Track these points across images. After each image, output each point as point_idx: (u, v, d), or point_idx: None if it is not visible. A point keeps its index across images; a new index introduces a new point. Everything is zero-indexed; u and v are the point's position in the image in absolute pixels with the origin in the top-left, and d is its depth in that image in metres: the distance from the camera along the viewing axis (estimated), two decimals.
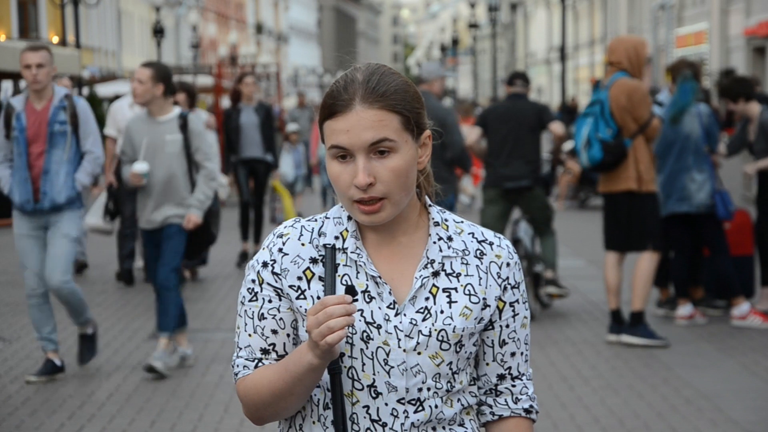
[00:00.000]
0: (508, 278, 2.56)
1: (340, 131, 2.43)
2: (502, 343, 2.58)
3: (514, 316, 2.58)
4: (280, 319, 2.52)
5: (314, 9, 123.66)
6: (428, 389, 2.48)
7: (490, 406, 2.61)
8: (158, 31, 45.21)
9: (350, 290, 2.41)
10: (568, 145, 21.15)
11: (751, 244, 10.73)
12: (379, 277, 2.48)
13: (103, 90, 31.47)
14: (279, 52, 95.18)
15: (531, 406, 2.62)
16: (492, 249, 2.56)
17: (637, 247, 9.37)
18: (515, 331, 2.59)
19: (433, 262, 2.51)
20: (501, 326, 2.57)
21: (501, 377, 2.60)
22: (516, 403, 2.61)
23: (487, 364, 2.59)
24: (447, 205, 10.80)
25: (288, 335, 2.52)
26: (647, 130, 9.20)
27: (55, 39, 31.46)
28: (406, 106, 2.45)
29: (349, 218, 2.53)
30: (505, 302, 2.56)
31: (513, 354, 2.59)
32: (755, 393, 7.92)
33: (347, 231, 2.52)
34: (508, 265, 2.57)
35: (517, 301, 2.58)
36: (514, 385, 2.61)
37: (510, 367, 2.60)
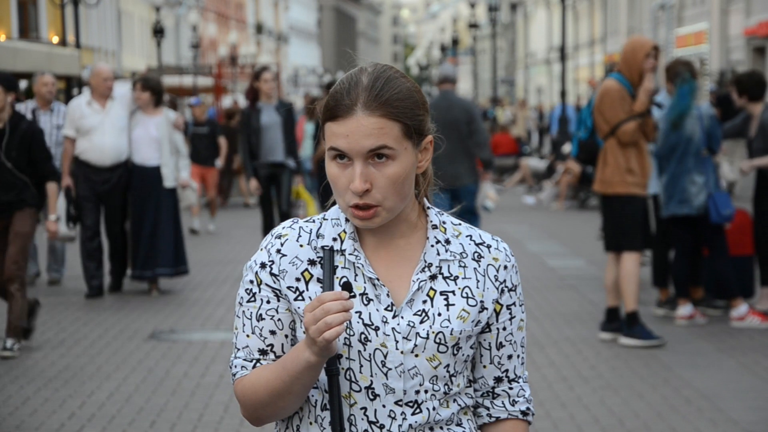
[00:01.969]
0: (505, 281, 2.56)
1: (339, 135, 2.43)
2: (499, 346, 2.59)
3: (510, 319, 2.58)
4: (279, 320, 2.52)
5: (314, 9, 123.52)
6: (426, 391, 2.48)
7: (487, 408, 2.61)
8: (158, 31, 45.20)
9: (347, 287, 2.41)
10: (567, 147, 21.17)
11: (750, 244, 10.72)
12: (377, 279, 2.49)
13: None
14: (279, 52, 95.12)
15: (528, 408, 2.62)
16: (490, 252, 2.56)
17: (611, 247, 9.44)
18: (512, 333, 2.59)
19: (430, 265, 2.51)
20: (498, 329, 2.58)
21: (498, 380, 2.60)
22: (513, 405, 2.61)
23: (484, 366, 2.59)
24: (469, 192, 10.98)
25: (286, 336, 2.52)
26: (617, 133, 9.19)
27: (55, 39, 31.43)
28: (408, 113, 2.45)
29: (347, 220, 2.53)
30: (502, 305, 2.56)
31: (510, 356, 2.59)
32: (755, 393, 7.92)
33: (345, 233, 2.52)
34: (505, 267, 2.57)
35: (514, 303, 2.58)
36: (511, 388, 2.61)
37: (507, 370, 2.60)
